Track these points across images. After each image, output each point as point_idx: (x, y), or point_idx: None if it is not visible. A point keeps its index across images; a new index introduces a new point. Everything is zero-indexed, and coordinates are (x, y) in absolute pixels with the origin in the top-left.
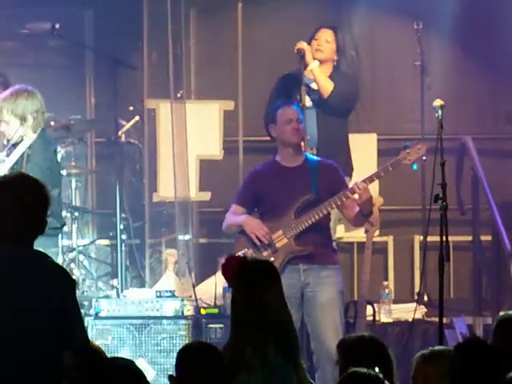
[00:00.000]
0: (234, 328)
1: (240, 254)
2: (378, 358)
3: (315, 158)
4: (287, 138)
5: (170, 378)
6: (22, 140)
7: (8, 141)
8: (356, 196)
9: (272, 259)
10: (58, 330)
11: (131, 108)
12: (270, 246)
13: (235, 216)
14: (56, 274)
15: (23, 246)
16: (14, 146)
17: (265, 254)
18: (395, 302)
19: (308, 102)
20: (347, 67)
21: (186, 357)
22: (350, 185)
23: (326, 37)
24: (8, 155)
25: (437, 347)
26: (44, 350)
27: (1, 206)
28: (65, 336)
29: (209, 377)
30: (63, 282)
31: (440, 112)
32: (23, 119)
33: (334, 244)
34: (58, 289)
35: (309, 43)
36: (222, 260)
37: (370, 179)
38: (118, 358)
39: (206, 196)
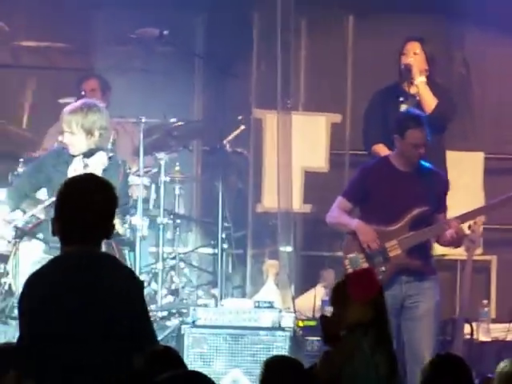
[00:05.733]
0: None
1: (352, 255)
2: (457, 376)
3: (427, 164)
4: (408, 158)
5: None
6: (91, 154)
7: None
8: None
9: (383, 268)
10: (128, 332)
11: (240, 117)
12: (382, 254)
13: (345, 216)
14: (125, 275)
15: (92, 247)
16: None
17: (376, 260)
18: (496, 321)
19: None
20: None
21: (269, 370)
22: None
23: (413, 49)
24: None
25: None
26: (113, 350)
27: (69, 206)
28: (134, 339)
29: None
30: (132, 283)
31: None
32: (90, 134)
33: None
34: (126, 290)
35: (398, 58)
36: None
37: (468, 216)
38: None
39: (307, 208)
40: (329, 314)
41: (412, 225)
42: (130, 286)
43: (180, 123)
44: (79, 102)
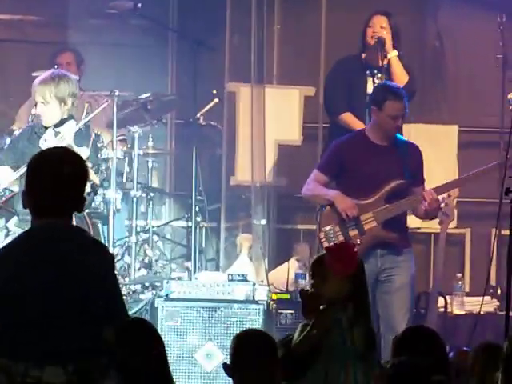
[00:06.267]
0: None
1: (327, 228)
2: (430, 349)
3: (402, 137)
4: (385, 130)
5: (225, 365)
6: (61, 123)
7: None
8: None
9: (358, 241)
10: (99, 305)
11: (215, 91)
12: (358, 227)
13: (321, 187)
14: (96, 249)
15: (62, 220)
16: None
17: (352, 233)
18: (470, 294)
19: (370, 88)
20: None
21: (239, 345)
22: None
23: (380, 23)
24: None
25: None
26: (84, 321)
27: (39, 178)
28: (105, 312)
29: (262, 365)
30: (103, 258)
31: None
32: (63, 102)
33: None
34: (98, 264)
35: (363, 31)
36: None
37: (442, 189)
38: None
39: (281, 181)
40: (303, 288)
41: (388, 198)
42: (101, 260)
43: (153, 97)
44: (48, 73)
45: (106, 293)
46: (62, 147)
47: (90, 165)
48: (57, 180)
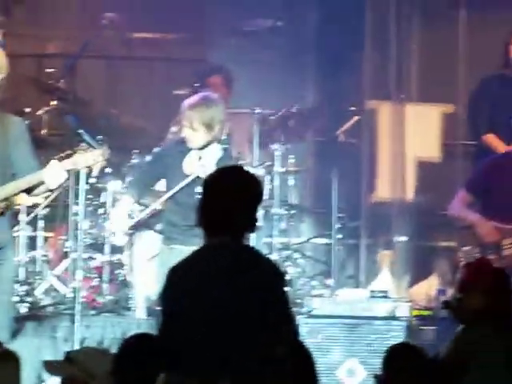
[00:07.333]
0: None
1: (466, 249)
2: None
3: None
4: None
5: (376, 377)
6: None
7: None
8: None
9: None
10: (267, 321)
11: (353, 108)
12: (498, 251)
13: (464, 209)
14: (269, 269)
15: (235, 239)
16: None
17: (491, 257)
18: None
19: None
20: None
21: (393, 357)
22: None
23: None
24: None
25: None
26: (253, 336)
27: (215, 197)
28: (274, 328)
29: (413, 377)
30: (276, 278)
31: None
32: (210, 128)
33: None
34: (271, 285)
35: (506, 48)
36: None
37: None
38: None
39: (421, 198)
40: (446, 300)
41: None
42: (274, 280)
43: (294, 114)
44: (199, 97)
45: (277, 310)
46: (238, 166)
47: None
48: (232, 199)
